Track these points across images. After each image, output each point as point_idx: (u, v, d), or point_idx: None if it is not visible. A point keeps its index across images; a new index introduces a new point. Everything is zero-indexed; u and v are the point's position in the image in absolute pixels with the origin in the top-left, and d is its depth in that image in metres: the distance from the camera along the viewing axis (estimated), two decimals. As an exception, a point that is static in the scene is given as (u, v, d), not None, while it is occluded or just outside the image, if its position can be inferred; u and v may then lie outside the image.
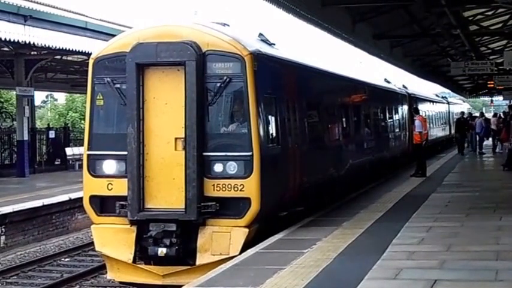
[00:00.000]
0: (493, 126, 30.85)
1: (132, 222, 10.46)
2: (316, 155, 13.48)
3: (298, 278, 7.67)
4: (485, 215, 12.21)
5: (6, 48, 23.31)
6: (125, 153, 10.43)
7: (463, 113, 35.53)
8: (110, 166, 10.72)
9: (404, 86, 28.29)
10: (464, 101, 63.74)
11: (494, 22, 23.91)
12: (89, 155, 10.91)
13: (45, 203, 18.00)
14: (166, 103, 10.47)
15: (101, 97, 10.94)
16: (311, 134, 13.29)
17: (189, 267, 10.31)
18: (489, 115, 47.26)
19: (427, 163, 21.57)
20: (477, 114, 39.59)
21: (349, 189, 16.03)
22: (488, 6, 21.21)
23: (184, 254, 10.29)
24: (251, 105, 10.35)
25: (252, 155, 10.27)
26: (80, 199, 12.07)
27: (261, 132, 10.52)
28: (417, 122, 19.85)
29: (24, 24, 19.64)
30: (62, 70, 31.17)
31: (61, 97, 57.52)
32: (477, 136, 31.21)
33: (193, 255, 10.28)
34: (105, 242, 10.70)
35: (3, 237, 16.54)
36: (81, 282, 13.33)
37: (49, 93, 58.27)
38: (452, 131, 42.31)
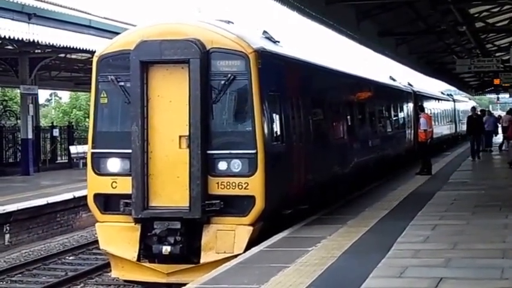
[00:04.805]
0: (504, 124, 30.23)
1: (136, 221, 10.44)
2: (321, 153, 13.44)
3: (303, 276, 7.64)
4: (491, 213, 12.15)
5: (10, 47, 23.30)
6: (129, 151, 10.41)
7: (474, 108, 30.11)
8: (114, 164, 10.71)
9: (409, 84, 28.20)
10: (470, 99, 63.59)
11: (500, 19, 23.85)
12: (93, 153, 10.90)
13: (49, 201, 18.00)
14: (171, 101, 10.45)
15: (105, 95, 10.93)
16: (315, 131, 13.24)
17: (193, 265, 10.29)
18: (496, 113, 46.86)
19: (433, 161, 21.50)
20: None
21: (354, 187, 15.99)
22: (494, 3, 21.16)
23: (188, 252, 10.27)
24: (255, 103, 10.32)
25: (256, 153, 10.24)
26: (84, 197, 12.07)
27: (266, 130, 10.49)
28: (422, 120, 19.78)
29: (29, 23, 19.62)
30: (66, 68, 31.18)
31: (65, 95, 57.63)
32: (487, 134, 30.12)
33: (198, 253, 10.26)
34: (110, 240, 10.69)
35: (7, 236, 16.54)
36: (86, 280, 13.32)
37: (53, 91, 58.32)
38: (458, 129, 42.28)
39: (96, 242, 13.22)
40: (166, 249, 10.13)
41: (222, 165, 10.32)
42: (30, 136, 25.57)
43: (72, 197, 18.76)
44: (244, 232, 10.17)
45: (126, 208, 10.42)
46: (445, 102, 39.24)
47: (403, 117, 24.21)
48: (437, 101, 35.76)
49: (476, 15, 22.42)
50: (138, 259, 10.48)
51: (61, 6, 22.64)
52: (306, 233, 10.61)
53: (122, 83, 10.68)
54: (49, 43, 20.84)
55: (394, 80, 25.29)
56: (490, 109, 55.81)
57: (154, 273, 10.52)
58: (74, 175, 24.61)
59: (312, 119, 13.02)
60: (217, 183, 10.28)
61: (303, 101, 12.42)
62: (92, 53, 16.88)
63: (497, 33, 26.96)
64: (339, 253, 8.85)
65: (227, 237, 10.18)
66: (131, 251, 10.47)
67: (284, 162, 11.31)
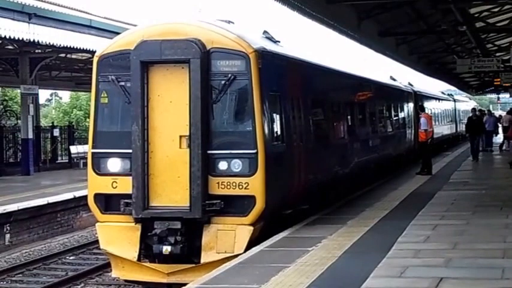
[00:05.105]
0: (505, 124, 30.20)
1: (136, 220, 10.44)
2: (321, 153, 13.43)
3: (303, 276, 7.63)
4: (491, 213, 12.14)
5: (10, 47, 23.32)
6: (130, 151, 10.40)
7: (474, 110, 29.42)
8: (114, 164, 10.69)
9: (410, 84, 28.19)
10: (470, 99, 63.56)
11: (500, 19, 23.85)
12: (93, 153, 10.89)
13: (50, 201, 18.01)
14: (171, 101, 10.44)
15: (106, 95, 10.92)
16: (316, 131, 13.23)
17: (193, 265, 10.28)
18: (497, 113, 46.84)
19: (433, 161, 21.49)
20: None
21: (354, 187, 15.98)
22: (494, 3, 21.16)
23: (189, 252, 10.26)
24: (256, 103, 10.31)
25: (257, 153, 10.23)
26: (85, 197, 12.07)
27: (266, 130, 10.48)
28: (422, 120, 19.78)
29: (29, 22, 19.63)
30: (66, 68, 31.20)
31: (65, 95, 57.69)
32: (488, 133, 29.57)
33: (198, 253, 10.25)
34: (110, 240, 10.68)
35: (8, 235, 16.55)
36: (86, 280, 13.32)
37: (53, 91, 58.38)
38: (459, 129, 42.29)
39: (96, 241, 13.22)
40: (166, 249, 10.12)
41: (223, 165, 10.31)
42: (30, 136, 25.59)
43: (72, 196, 18.76)
44: (244, 232, 10.16)
45: (127, 208, 10.41)
46: (445, 102, 39.24)
47: (404, 117, 24.20)
48: (437, 100, 35.76)
49: (476, 15, 22.40)
50: (139, 259, 10.47)
51: (61, 6, 22.66)
52: (307, 232, 10.61)
53: (123, 83, 10.67)
54: (49, 43, 20.84)
55: (394, 80, 25.28)
56: (491, 109, 55.75)
57: (155, 273, 10.51)
58: (74, 175, 24.63)
59: (312, 119, 13.01)
60: (218, 183, 10.27)
61: (303, 101, 12.41)
62: (92, 52, 16.89)
63: (498, 33, 26.94)
64: (339, 253, 8.85)
65: (227, 237, 10.17)
66: (131, 251, 10.46)
67: (284, 162, 11.30)
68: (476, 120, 26.90)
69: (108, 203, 10.72)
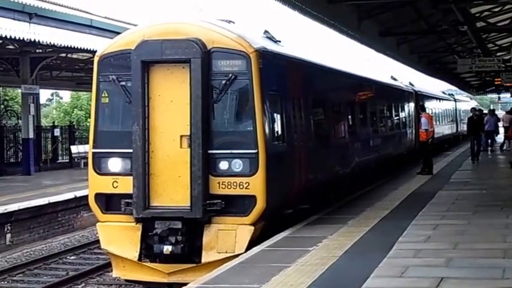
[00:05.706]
0: (505, 124, 30.11)
1: (137, 220, 10.44)
2: (322, 152, 13.43)
3: (304, 276, 7.63)
4: (492, 213, 12.14)
5: (11, 46, 23.33)
6: (130, 150, 10.41)
7: (474, 109, 28.67)
8: (115, 164, 10.70)
9: (410, 83, 28.18)
10: (471, 98, 63.51)
11: (501, 18, 23.83)
12: (94, 153, 10.89)
13: (50, 201, 18.02)
14: (172, 100, 10.44)
15: (106, 95, 10.92)
16: (317, 131, 13.24)
17: (194, 265, 10.29)
18: (498, 112, 46.92)
19: (434, 161, 21.48)
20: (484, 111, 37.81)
21: (355, 186, 15.98)
22: (495, 3, 21.16)
23: (189, 252, 10.27)
24: (256, 103, 10.32)
25: (258, 153, 10.23)
26: (85, 197, 12.08)
27: (267, 130, 10.48)
28: (423, 120, 19.79)
29: (30, 22, 19.65)
30: (67, 68, 31.21)
31: (66, 95, 57.73)
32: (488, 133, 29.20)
33: (199, 253, 10.26)
34: (111, 239, 10.69)
35: (9, 235, 16.56)
36: (87, 280, 13.34)
37: (54, 91, 58.42)
38: (459, 129, 42.27)
39: (97, 241, 13.23)
40: (167, 248, 10.13)
41: (223, 165, 10.31)
42: (31, 136, 25.60)
43: (73, 196, 18.78)
44: (245, 232, 10.16)
45: (127, 208, 10.42)
46: (446, 102, 39.22)
47: (405, 117, 24.20)
48: (438, 100, 35.75)
49: (477, 14, 22.39)
50: (139, 259, 10.47)
51: (62, 5, 22.66)
52: (307, 232, 10.61)
53: (123, 83, 10.67)
54: (50, 43, 20.86)
55: (395, 79, 25.26)
56: (491, 108, 55.70)
57: (156, 272, 10.52)
58: (75, 175, 24.64)
59: (313, 119, 13.01)
60: (219, 182, 10.28)
61: (304, 101, 12.40)
62: (93, 52, 16.87)
63: (499, 32, 26.93)
64: (340, 253, 8.85)
65: (228, 236, 10.18)
66: (132, 251, 10.47)
67: (285, 162, 11.30)
68: (477, 119, 26.66)
69: (109, 202, 10.73)
